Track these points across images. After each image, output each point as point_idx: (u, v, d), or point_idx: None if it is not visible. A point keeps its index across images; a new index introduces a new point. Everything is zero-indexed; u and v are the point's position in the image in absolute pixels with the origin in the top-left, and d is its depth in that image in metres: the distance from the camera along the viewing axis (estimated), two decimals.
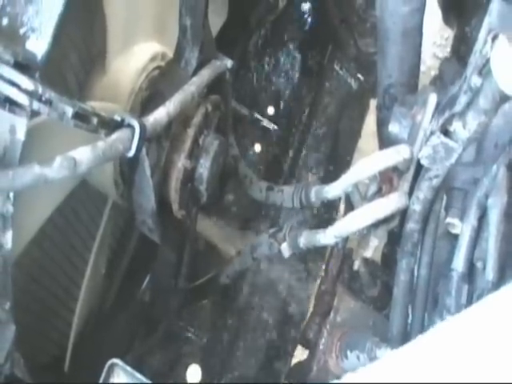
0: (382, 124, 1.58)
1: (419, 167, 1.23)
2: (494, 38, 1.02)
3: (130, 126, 1.00)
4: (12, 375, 0.92)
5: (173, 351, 1.50)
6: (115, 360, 0.90)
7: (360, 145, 1.90)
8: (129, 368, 0.90)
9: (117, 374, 0.88)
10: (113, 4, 1.21)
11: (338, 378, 0.77)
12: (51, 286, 1.39)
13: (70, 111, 0.89)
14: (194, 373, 1.46)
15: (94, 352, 1.31)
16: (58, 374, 1.29)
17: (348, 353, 1.24)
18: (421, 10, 1.49)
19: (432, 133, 1.15)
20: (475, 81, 1.05)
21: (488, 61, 1.03)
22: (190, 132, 1.27)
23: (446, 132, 1.12)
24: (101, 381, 0.89)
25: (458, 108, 1.11)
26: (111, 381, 0.88)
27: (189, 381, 1.46)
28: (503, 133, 1.20)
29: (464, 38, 1.70)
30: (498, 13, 0.98)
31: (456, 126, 1.11)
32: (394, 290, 1.24)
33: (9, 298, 0.91)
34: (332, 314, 1.29)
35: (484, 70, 1.04)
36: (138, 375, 0.89)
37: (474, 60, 1.07)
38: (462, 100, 1.10)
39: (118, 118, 1.00)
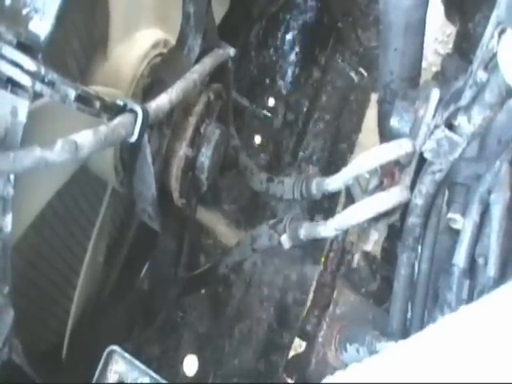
0: (383, 118, 1.58)
1: (422, 161, 1.22)
2: (502, 33, 1.01)
3: (132, 111, 0.99)
4: (10, 361, 0.91)
5: (170, 341, 1.49)
6: (114, 347, 0.89)
7: (361, 139, 1.89)
8: (127, 355, 0.89)
9: (115, 361, 0.88)
10: None
11: (337, 370, 0.77)
12: (50, 273, 1.38)
13: (72, 94, 0.88)
14: (190, 363, 1.45)
15: (91, 340, 1.30)
16: (56, 361, 1.28)
17: (347, 346, 1.23)
18: (424, 4, 1.48)
19: (436, 127, 1.14)
20: (481, 75, 1.04)
21: (494, 55, 1.02)
22: (192, 120, 1.26)
23: (450, 126, 1.12)
24: (99, 367, 0.89)
25: (463, 102, 1.10)
26: (110, 367, 0.88)
27: (185, 371, 1.45)
28: (507, 129, 1.20)
29: (467, 35, 1.70)
30: (507, 6, 0.98)
31: (461, 121, 1.10)
32: (395, 284, 1.23)
33: (8, 283, 0.90)
34: (331, 307, 1.28)
35: (490, 65, 1.04)
36: (137, 362, 0.89)
37: (480, 54, 1.07)
38: (468, 94, 1.09)
39: (120, 102, 0.99)
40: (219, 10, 1.59)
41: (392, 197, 1.23)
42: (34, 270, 1.31)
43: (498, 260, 1.07)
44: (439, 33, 2.31)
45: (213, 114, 1.33)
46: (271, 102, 1.89)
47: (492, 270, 1.07)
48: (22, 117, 0.85)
